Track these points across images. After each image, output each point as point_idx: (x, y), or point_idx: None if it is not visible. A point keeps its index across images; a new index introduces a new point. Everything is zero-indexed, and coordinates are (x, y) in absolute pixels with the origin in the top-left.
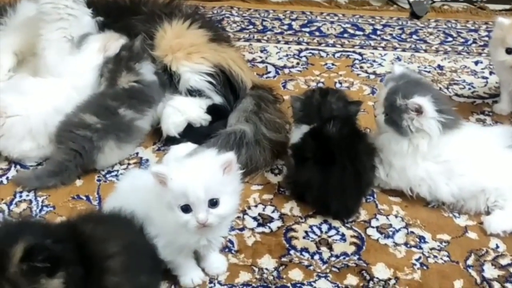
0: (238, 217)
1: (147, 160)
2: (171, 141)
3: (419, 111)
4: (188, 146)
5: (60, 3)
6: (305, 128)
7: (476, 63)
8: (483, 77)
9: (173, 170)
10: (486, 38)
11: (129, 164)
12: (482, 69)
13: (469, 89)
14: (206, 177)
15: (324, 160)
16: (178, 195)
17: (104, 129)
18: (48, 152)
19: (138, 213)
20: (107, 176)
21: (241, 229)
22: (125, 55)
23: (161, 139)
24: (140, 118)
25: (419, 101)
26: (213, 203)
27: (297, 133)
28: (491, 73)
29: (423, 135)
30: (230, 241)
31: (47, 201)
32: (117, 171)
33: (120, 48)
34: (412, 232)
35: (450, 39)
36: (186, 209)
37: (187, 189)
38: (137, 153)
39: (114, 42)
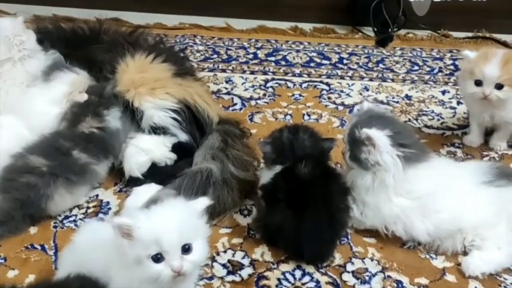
0: (207, 265)
1: (108, 203)
2: (134, 181)
3: (371, 142)
4: (152, 187)
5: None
6: (278, 169)
7: (444, 92)
8: (451, 107)
9: (139, 218)
10: (452, 67)
11: (88, 208)
12: (449, 99)
13: (438, 120)
14: (179, 221)
15: (296, 202)
16: (149, 243)
17: (52, 173)
18: None
19: (96, 272)
20: (65, 222)
21: (210, 278)
22: (94, 100)
23: (122, 180)
24: (96, 164)
25: (369, 132)
26: (186, 249)
27: (268, 174)
28: (458, 103)
29: (386, 168)
30: None
31: None
32: (75, 215)
33: (89, 92)
34: (389, 277)
35: (416, 67)
36: (158, 258)
37: (159, 235)
38: (97, 195)
39: (78, 95)
